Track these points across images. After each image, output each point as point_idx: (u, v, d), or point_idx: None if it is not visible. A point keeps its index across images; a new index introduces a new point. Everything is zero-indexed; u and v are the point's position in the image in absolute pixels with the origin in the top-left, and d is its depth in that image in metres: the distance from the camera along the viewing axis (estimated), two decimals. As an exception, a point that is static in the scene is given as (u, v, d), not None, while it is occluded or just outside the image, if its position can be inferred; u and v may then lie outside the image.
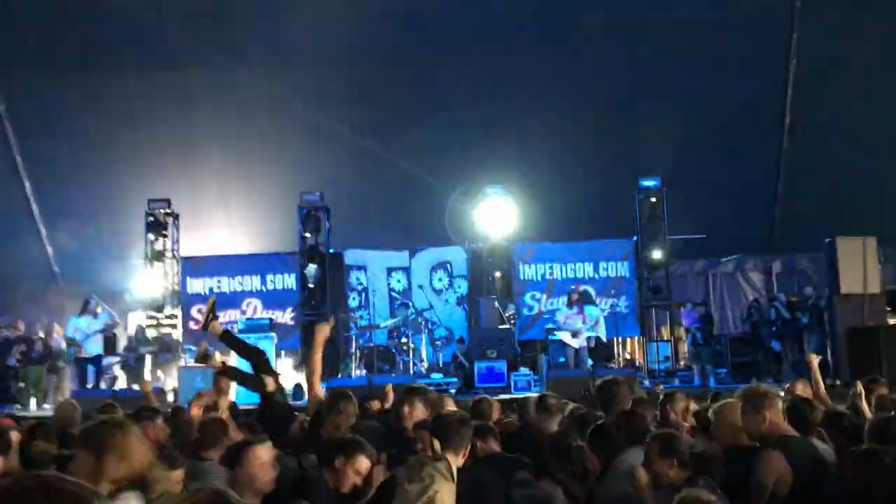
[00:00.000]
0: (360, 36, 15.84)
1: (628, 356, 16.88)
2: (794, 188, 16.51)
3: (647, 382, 14.23)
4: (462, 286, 17.14)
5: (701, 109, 15.65)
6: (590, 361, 13.77)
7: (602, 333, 13.95)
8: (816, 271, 15.64)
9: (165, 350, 15.68)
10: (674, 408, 6.05)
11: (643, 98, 15.98)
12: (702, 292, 17.56)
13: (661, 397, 6.58)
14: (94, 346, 15.08)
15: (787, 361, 13.91)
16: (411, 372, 14.47)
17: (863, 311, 11.18)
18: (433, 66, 16.41)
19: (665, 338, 16.47)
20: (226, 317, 17.12)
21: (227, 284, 17.46)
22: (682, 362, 16.34)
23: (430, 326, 16.19)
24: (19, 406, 14.43)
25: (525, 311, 16.42)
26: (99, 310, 15.55)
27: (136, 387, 13.83)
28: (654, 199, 15.98)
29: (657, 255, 15.89)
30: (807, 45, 15.26)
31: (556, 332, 14.13)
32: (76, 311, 15.63)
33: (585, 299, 14.52)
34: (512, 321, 15.84)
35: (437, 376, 14.71)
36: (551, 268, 16.74)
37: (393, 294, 17.15)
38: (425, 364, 15.46)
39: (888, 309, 11.77)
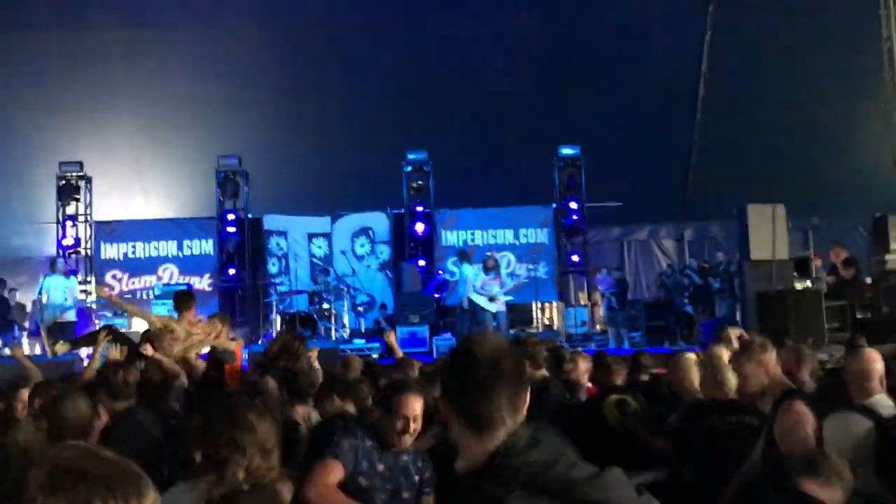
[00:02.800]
0: (281, -1, 15.60)
1: (547, 321, 17.23)
2: (707, 158, 17.04)
3: (565, 345, 14.58)
4: (384, 252, 17.18)
5: (619, 80, 15.97)
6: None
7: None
8: (727, 238, 16.22)
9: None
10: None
11: (564, 67, 16.19)
12: (617, 258, 18.03)
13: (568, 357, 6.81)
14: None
15: (698, 325, 14.46)
16: (333, 338, 14.48)
17: (771, 276, 11.70)
18: (354, 33, 16.25)
19: (582, 303, 16.88)
20: (141, 283, 16.78)
21: (141, 250, 17.05)
22: (598, 326, 16.78)
23: (351, 292, 16.20)
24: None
25: (447, 277, 16.59)
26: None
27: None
28: (572, 168, 16.32)
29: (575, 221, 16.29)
30: (722, 17, 15.70)
31: (473, 297, 14.34)
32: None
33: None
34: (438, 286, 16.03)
35: (359, 342, 14.75)
36: (472, 234, 16.94)
37: (314, 260, 17.05)
38: (347, 330, 15.48)
39: (795, 274, 12.34)
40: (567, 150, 16.32)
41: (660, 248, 18.22)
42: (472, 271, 14.00)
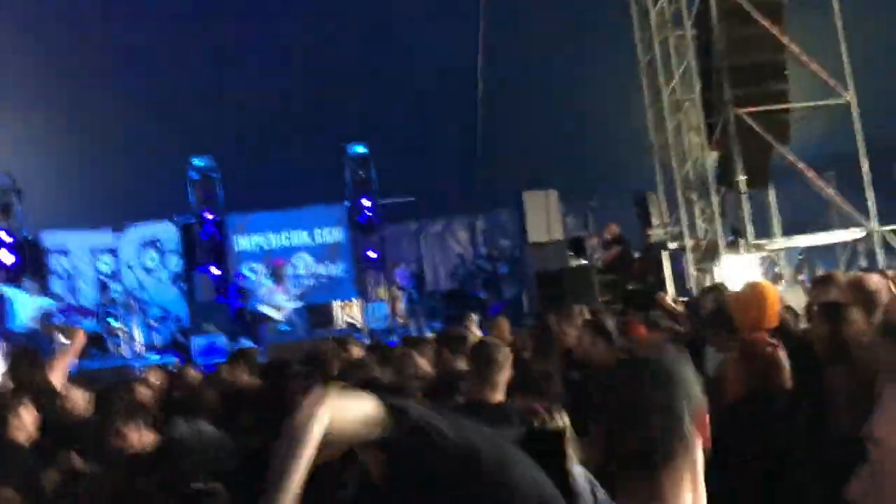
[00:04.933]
0: None
1: (349, 319, 17.33)
2: (491, 148, 17.68)
3: (367, 341, 14.74)
4: (175, 262, 16.67)
5: (398, 76, 16.27)
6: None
7: None
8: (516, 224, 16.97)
9: None
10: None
11: (343, 65, 16.30)
12: (414, 252, 18.40)
13: None
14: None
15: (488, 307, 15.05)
16: (127, 355, 13.94)
17: (548, 257, 12.37)
18: (128, 32, 15.65)
19: (382, 298, 17.10)
20: None
21: None
22: (399, 320, 17.07)
23: (142, 307, 15.57)
24: None
25: (243, 283, 16.32)
26: None
27: None
28: (362, 166, 16.54)
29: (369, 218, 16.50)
30: (494, 4, 16.25)
31: (261, 308, 14.34)
32: None
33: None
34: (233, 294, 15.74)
35: (154, 357, 14.27)
36: (267, 237, 16.76)
37: (101, 277, 16.29)
38: (141, 345, 14.91)
39: (570, 253, 13.11)
40: (356, 149, 16.49)
41: (454, 239, 18.76)
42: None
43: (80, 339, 5.65)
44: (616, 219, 15.03)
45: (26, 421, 4.35)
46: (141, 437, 3.86)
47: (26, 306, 13.40)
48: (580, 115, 16.80)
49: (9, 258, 15.13)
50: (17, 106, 15.63)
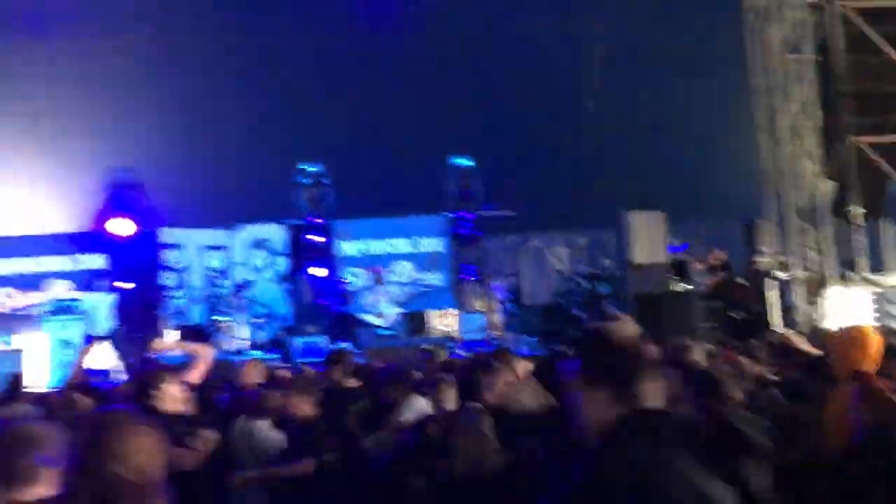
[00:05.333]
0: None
1: (445, 328, 17.50)
2: (598, 165, 17.60)
3: (461, 353, 14.88)
4: (281, 263, 17.18)
5: (509, 92, 16.42)
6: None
7: None
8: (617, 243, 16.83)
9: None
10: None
11: (455, 80, 16.56)
12: (512, 266, 18.43)
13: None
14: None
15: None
16: (231, 350, 14.44)
17: (650, 279, 12.22)
18: (252, 39, 16.31)
19: (479, 309, 17.20)
20: (27, 299, 16.36)
21: (31, 265, 16.66)
22: (495, 332, 17.13)
23: (249, 304, 16.12)
24: None
25: (345, 287, 16.70)
26: None
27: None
28: (466, 178, 16.73)
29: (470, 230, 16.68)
30: (607, 25, 16.24)
31: (362, 314, 14.65)
32: None
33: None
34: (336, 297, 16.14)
35: (256, 353, 14.73)
36: (370, 244, 17.12)
37: (211, 273, 16.94)
38: (245, 342, 15.42)
39: (673, 277, 12.92)
40: (460, 161, 16.70)
41: (553, 255, 18.69)
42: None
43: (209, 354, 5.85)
44: (720, 244, 14.77)
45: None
46: None
47: None
48: (689, 138, 16.61)
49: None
50: (140, 106, 16.48)
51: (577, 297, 15.84)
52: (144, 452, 2.38)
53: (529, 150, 16.90)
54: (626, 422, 2.03)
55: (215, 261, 17.00)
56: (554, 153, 17.30)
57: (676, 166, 17.14)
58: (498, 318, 16.85)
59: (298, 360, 14.03)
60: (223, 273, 16.80)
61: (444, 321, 17.53)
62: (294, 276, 16.76)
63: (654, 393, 2.09)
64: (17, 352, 13.33)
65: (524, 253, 18.61)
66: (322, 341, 14.45)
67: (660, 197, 15.02)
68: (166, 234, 16.81)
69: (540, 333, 16.30)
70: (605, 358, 2.14)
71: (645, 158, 17.00)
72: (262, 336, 15.99)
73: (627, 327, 2.22)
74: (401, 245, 17.20)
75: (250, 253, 17.10)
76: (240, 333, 15.32)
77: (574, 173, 17.94)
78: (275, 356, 14.74)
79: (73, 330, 13.45)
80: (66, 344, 13.35)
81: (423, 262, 16.99)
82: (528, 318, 16.58)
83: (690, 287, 12.95)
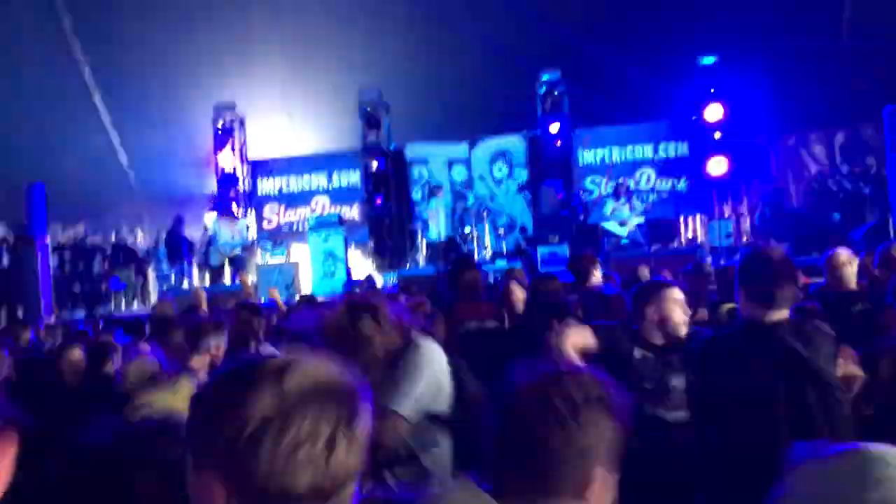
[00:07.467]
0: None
1: (691, 235, 17.00)
2: (858, 60, 16.09)
3: (709, 259, 14.42)
4: (522, 175, 17.36)
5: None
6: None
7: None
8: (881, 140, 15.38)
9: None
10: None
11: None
12: (765, 168, 17.41)
13: None
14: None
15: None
16: (476, 259, 14.92)
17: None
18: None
19: (726, 215, 16.51)
20: (296, 215, 17.83)
21: (295, 183, 18.09)
22: (745, 238, 16.41)
23: (492, 215, 16.56)
24: (113, 307, 15.41)
25: (585, 196, 16.63)
26: None
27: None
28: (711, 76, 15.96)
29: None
30: None
31: (603, 223, 14.47)
32: (152, 217, 16.52)
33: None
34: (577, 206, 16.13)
35: (501, 263, 15.10)
36: (610, 151, 16.85)
37: (456, 187, 17.48)
38: (489, 252, 15.87)
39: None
40: (706, 60, 15.87)
41: (810, 155, 17.44)
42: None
43: None
44: None
45: None
46: None
47: (227, 228, 15.37)
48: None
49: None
50: (385, 28, 17.03)
51: (837, 200, 14.73)
52: None
53: (779, 46, 15.69)
54: None
55: (458, 174, 17.50)
56: (807, 45, 15.96)
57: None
58: (748, 223, 16.12)
59: (542, 269, 14.29)
60: (467, 185, 17.28)
61: (690, 228, 17.08)
62: (534, 187, 16.90)
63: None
64: (294, 264, 14.66)
65: (777, 153, 17.54)
66: (564, 250, 14.55)
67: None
68: (411, 150, 17.51)
69: (794, 239, 15.43)
70: None
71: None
72: (506, 246, 16.37)
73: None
74: (643, 151, 16.77)
75: (491, 165, 17.42)
76: (485, 244, 15.77)
77: (831, 67, 16.50)
78: (517, 265, 15.07)
79: (335, 242, 14.49)
80: (330, 255, 14.44)
81: (667, 167, 16.49)
82: (784, 223, 15.68)
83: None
